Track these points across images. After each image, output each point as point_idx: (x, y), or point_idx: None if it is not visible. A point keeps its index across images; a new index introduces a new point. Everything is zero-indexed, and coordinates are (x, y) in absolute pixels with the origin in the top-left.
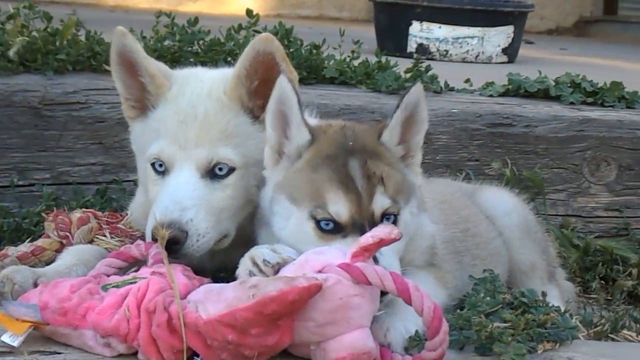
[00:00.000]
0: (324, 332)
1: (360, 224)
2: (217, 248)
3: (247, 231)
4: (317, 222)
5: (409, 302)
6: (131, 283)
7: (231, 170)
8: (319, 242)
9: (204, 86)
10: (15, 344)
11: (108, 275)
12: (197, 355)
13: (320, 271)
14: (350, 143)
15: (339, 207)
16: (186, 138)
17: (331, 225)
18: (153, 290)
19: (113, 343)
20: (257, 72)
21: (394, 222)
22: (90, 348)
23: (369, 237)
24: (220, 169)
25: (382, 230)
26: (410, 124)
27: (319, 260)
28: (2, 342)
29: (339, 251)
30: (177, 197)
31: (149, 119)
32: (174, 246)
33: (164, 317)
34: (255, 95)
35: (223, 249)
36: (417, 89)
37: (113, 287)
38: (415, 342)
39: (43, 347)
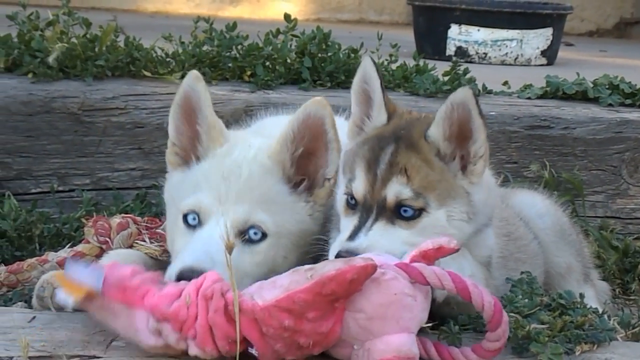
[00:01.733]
0: (372, 326)
1: (369, 205)
2: None
3: None
4: (346, 195)
5: (469, 300)
6: None
7: (264, 236)
8: (344, 214)
9: (251, 150)
10: (70, 303)
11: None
12: (252, 347)
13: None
14: (402, 131)
15: (358, 184)
16: (227, 194)
17: (354, 201)
18: (210, 279)
19: (165, 331)
20: (303, 138)
21: (415, 217)
22: (135, 332)
23: (429, 243)
24: (255, 233)
25: (442, 239)
26: (463, 130)
27: (377, 259)
28: (57, 298)
29: (394, 259)
30: (210, 249)
31: (190, 170)
32: None
33: (221, 303)
34: (297, 165)
35: None
36: (462, 90)
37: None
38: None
39: (82, 352)
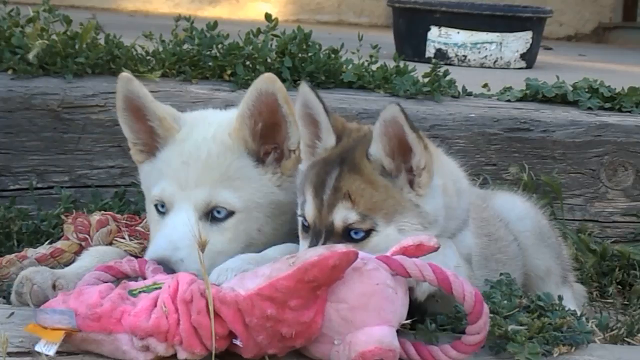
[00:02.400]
0: (354, 317)
1: (319, 230)
2: None
3: None
4: (300, 217)
5: (449, 291)
6: (157, 288)
7: (230, 213)
8: (301, 237)
9: (210, 129)
10: (51, 352)
11: (123, 273)
12: (236, 338)
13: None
14: (347, 153)
15: (307, 209)
16: (187, 179)
17: (306, 223)
18: (185, 282)
19: (152, 345)
20: (261, 114)
21: (365, 238)
22: (124, 353)
23: (409, 239)
24: (218, 212)
25: (422, 237)
26: (405, 144)
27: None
28: (37, 351)
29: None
30: (172, 237)
31: (156, 160)
32: None
33: (203, 303)
34: (260, 139)
35: None
36: (391, 108)
37: (141, 292)
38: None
39: (61, 348)
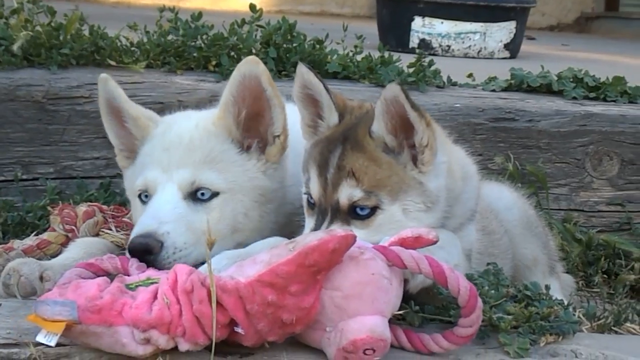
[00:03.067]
0: (347, 305)
1: (324, 208)
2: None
3: None
4: (305, 194)
5: (445, 285)
6: (153, 282)
7: (215, 194)
8: (305, 212)
9: (192, 121)
10: (52, 343)
11: (105, 270)
12: (237, 325)
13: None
14: (350, 131)
15: (313, 187)
16: (169, 162)
17: (312, 201)
18: (184, 273)
19: (154, 337)
20: (244, 100)
21: (370, 215)
22: (123, 346)
23: (408, 231)
24: (202, 194)
25: (422, 229)
26: (403, 121)
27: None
28: (37, 342)
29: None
30: (156, 213)
31: (136, 159)
32: (148, 256)
33: (204, 293)
34: (244, 129)
35: None
36: (392, 87)
37: (138, 285)
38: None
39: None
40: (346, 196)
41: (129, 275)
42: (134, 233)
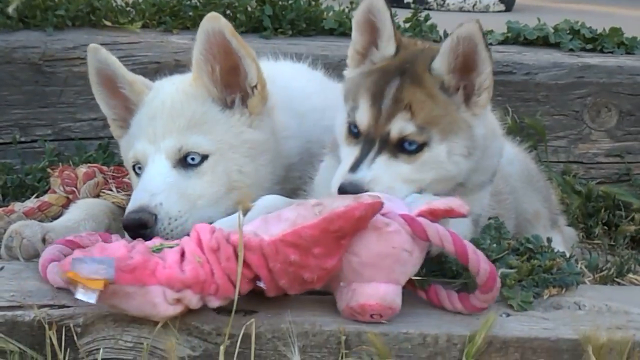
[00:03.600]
0: (363, 272)
1: (372, 138)
2: None
3: None
4: (348, 124)
5: (466, 263)
6: (171, 247)
7: (204, 157)
8: (345, 141)
9: (174, 85)
10: (92, 300)
11: (60, 259)
12: (260, 280)
13: (384, 215)
14: (407, 65)
15: (361, 116)
16: (154, 132)
17: (356, 131)
18: (206, 232)
19: (187, 297)
20: (215, 57)
21: (418, 151)
22: (154, 306)
23: (441, 202)
24: (192, 159)
25: (455, 201)
26: (469, 60)
27: (387, 205)
28: (78, 299)
29: (404, 203)
30: (147, 186)
31: (129, 128)
32: (144, 231)
33: (230, 250)
34: (223, 85)
35: None
36: (468, 26)
37: (159, 248)
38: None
39: (52, 301)
40: (399, 129)
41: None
42: (128, 209)
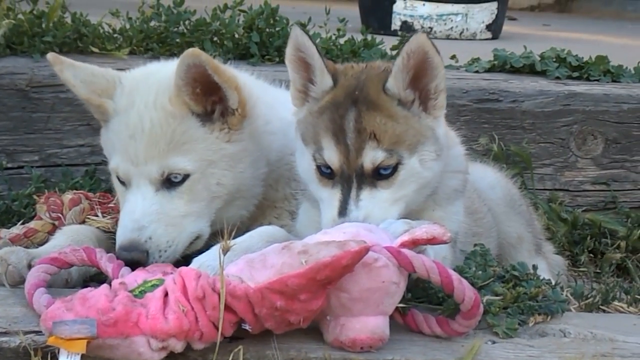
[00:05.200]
0: (352, 307)
1: (347, 175)
2: (191, 250)
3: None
4: (317, 166)
5: (451, 292)
6: (155, 285)
7: (186, 176)
8: (319, 184)
9: (151, 93)
10: None
11: (45, 281)
12: (244, 322)
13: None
14: (356, 92)
15: (330, 156)
16: (136, 154)
17: (329, 170)
18: (192, 279)
19: (171, 344)
20: (195, 80)
21: (393, 172)
22: (139, 355)
23: (423, 231)
24: (175, 177)
25: (437, 229)
26: (423, 70)
27: (370, 237)
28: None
29: (387, 234)
30: (134, 216)
31: (110, 126)
32: (136, 265)
33: (216, 298)
34: (203, 97)
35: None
36: (417, 37)
37: (142, 290)
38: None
39: (38, 328)
40: (370, 160)
41: (97, 267)
42: (119, 242)
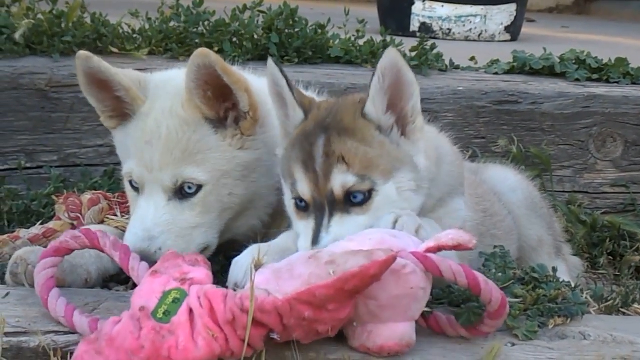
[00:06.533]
0: (381, 314)
1: (320, 203)
2: None
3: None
4: (294, 200)
5: (478, 294)
6: (177, 299)
7: (199, 187)
8: (297, 217)
9: (168, 100)
10: None
11: (54, 278)
12: (273, 332)
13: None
14: (328, 120)
15: (302, 185)
16: (152, 160)
17: (303, 203)
18: (220, 301)
19: None
20: (207, 83)
21: (367, 199)
22: None
23: (450, 238)
24: (189, 187)
25: (463, 236)
26: (397, 90)
27: (396, 243)
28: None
29: (412, 239)
30: (145, 224)
31: (127, 129)
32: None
33: (245, 318)
34: (215, 102)
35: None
36: (389, 53)
37: (165, 312)
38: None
39: (57, 328)
40: (340, 183)
41: (102, 250)
42: (129, 243)
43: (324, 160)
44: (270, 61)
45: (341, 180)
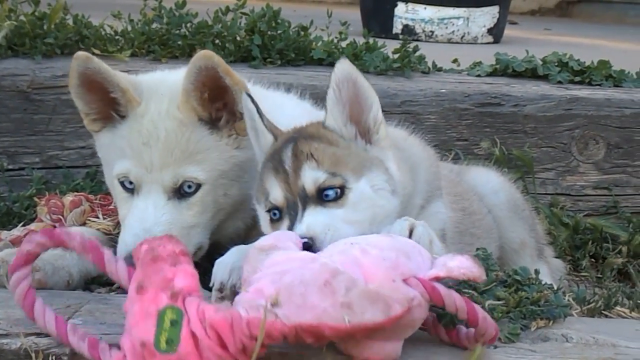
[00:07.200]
0: (374, 336)
1: (293, 202)
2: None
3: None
4: (269, 212)
5: (475, 325)
6: (175, 321)
7: (198, 187)
8: (272, 228)
9: (164, 102)
10: None
11: (37, 254)
12: None
13: (406, 280)
14: (294, 134)
15: (274, 191)
16: (151, 161)
17: (278, 214)
18: (227, 332)
19: None
20: (204, 85)
21: (341, 196)
22: None
23: (461, 273)
24: (189, 187)
25: (475, 271)
26: (355, 102)
27: (408, 267)
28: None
29: (424, 259)
30: (145, 223)
31: (117, 131)
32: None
33: (254, 343)
34: (210, 102)
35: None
36: (341, 65)
37: (168, 340)
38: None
39: (39, 330)
40: (311, 179)
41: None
42: (124, 246)
43: (293, 160)
44: (244, 96)
45: (312, 176)
